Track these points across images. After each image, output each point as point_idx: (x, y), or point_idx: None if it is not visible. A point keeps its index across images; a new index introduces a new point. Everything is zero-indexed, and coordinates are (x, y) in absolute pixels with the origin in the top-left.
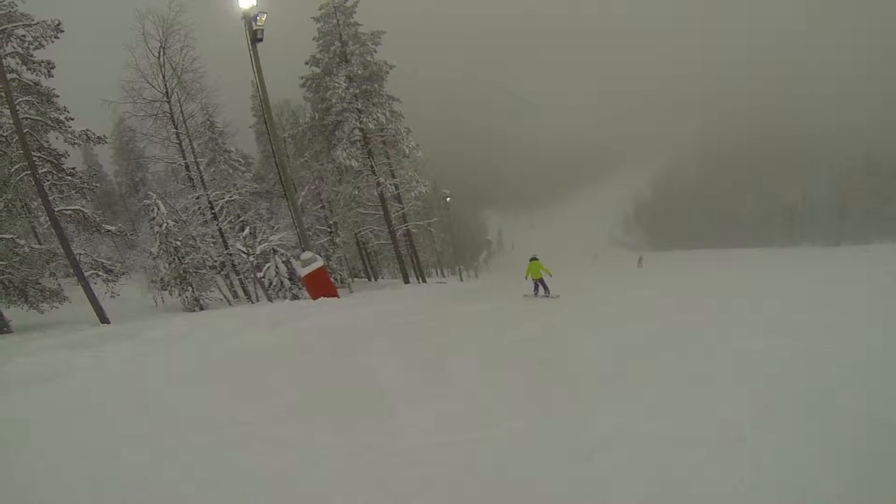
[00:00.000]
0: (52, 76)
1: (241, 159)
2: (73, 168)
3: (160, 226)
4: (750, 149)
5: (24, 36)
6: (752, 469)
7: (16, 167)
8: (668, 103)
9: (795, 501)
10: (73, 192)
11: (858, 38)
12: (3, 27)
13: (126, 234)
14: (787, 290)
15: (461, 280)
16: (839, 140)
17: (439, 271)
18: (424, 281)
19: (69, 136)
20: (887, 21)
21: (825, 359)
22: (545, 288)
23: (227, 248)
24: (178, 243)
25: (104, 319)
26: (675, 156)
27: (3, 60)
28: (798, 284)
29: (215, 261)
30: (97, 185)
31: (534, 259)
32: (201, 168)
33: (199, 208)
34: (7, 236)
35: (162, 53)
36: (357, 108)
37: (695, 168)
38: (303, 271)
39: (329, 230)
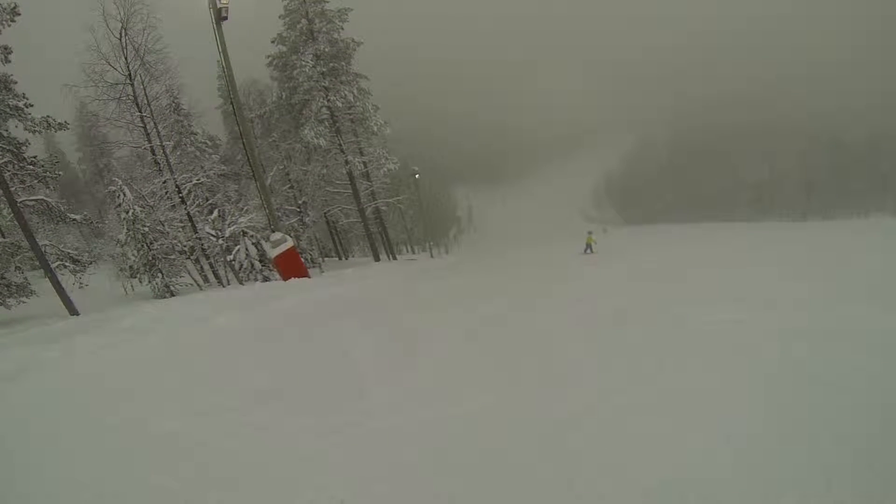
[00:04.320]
0: (10, 62)
1: (208, 141)
2: (35, 157)
3: (127, 212)
4: (720, 128)
5: None
6: (725, 439)
7: None
8: (639, 81)
9: (769, 466)
10: (35, 181)
11: (838, 23)
12: None
13: (92, 223)
14: (757, 263)
15: (431, 256)
16: (808, 121)
17: (410, 248)
18: (395, 258)
19: (29, 123)
20: (866, 7)
21: (794, 331)
22: (591, 249)
23: (195, 232)
24: (146, 229)
25: (73, 311)
26: (646, 133)
27: None
28: (767, 258)
29: (184, 245)
30: (60, 173)
31: (589, 233)
32: (167, 151)
33: (167, 193)
34: None
35: (124, 34)
36: (324, 87)
37: (665, 145)
38: (273, 252)
39: (298, 210)
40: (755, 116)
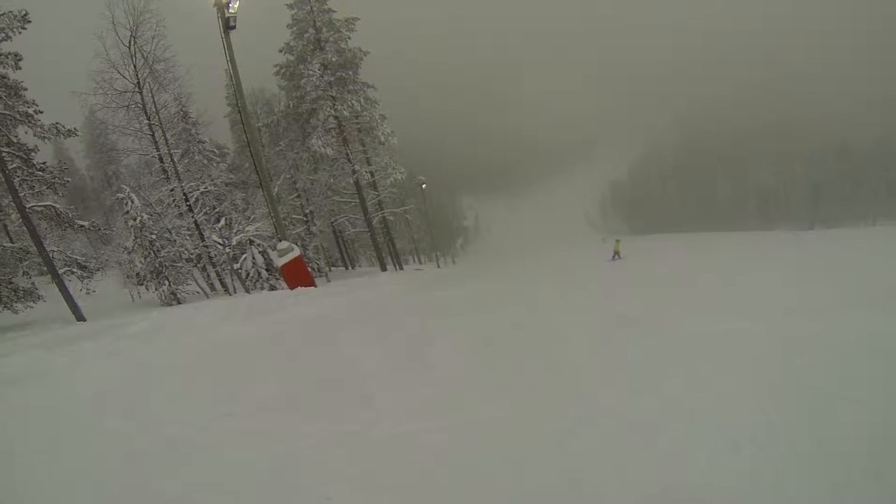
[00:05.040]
0: (20, 68)
1: (215, 150)
2: (44, 163)
3: (134, 219)
4: (726, 135)
5: None
6: (729, 448)
7: None
8: (644, 89)
9: (774, 474)
10: (44, 187)
11: (845, 26)
12: None
13: (100, 230)
14: (763, 272)
15: (438, 266)
16: (813, 129)
17: (416, 258)
18: (401, 268)
19: (39, 130)
20: (873, 9)
21: (799, 339)
22: (619, 255)
23: (203, 241)
24: (154, 237)
25: (80, 317)
26: (651, 141)
27: None
28: (773, 267)
29: (191, 253)
30: (69, 179)
31: (617, 241)
32: (175, 159)
33: (174, 200)
34: None
35: (132, 43)
36: (332, 96)
37: (671, 154)
38: (279, 261)
39: (305, 219)
40: (762, 123)
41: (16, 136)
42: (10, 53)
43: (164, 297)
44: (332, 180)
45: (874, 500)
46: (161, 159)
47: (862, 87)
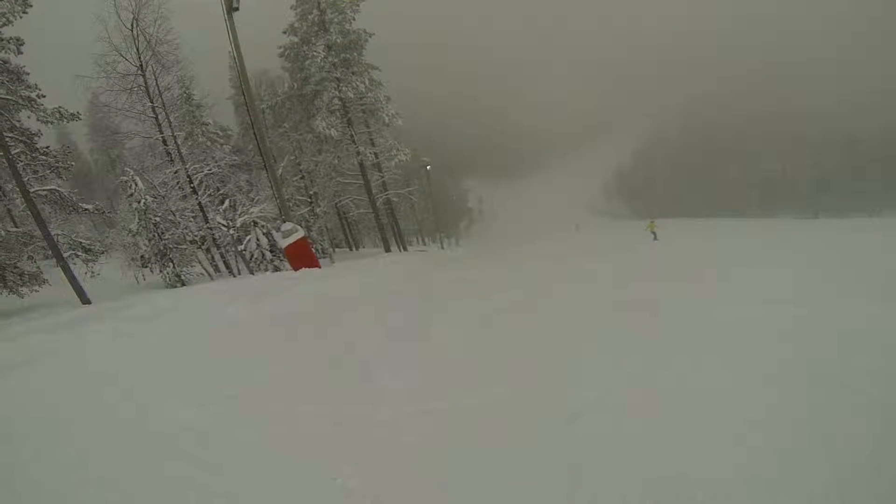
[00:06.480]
0: (22, 53)
1: (219, 131)
2: (47, 147)
3: (138, 202)
4: (731, 122)
5: None
6: (730, 438)
7: None
8: (650, 74)
9: (776, 465)
10: (47, 171)
11: (853, 18)
12: None
13: (104, 213)
14: (767, 260)
15: (442, 248)
16: (820, 117)
17: (420, 239)
18: (406, 249)
19: (41, 114)
20: (872, 8)
21: (801, 327)
22: (655, 236)
23: (207, 222)
24: (158, 219)
25: (85, 300)
26: (657, 126)
27: None
28: (780, 257)
29: (195, 235)
30: (72, 163)
31: (651, 222)
32: (179, 142)
33: (178, 183)
34: None
35: (135, 25)
36: (336, 77)
37: (675, 139)
38: (284, 243)
39: (309, 200)
40: (767, 113)
41: (18, 121)
42: (11, 38)
43: (168, 279)
44: (336, 161)
45: (875, 492)
46: (165, 142)
47: (867, 79)
